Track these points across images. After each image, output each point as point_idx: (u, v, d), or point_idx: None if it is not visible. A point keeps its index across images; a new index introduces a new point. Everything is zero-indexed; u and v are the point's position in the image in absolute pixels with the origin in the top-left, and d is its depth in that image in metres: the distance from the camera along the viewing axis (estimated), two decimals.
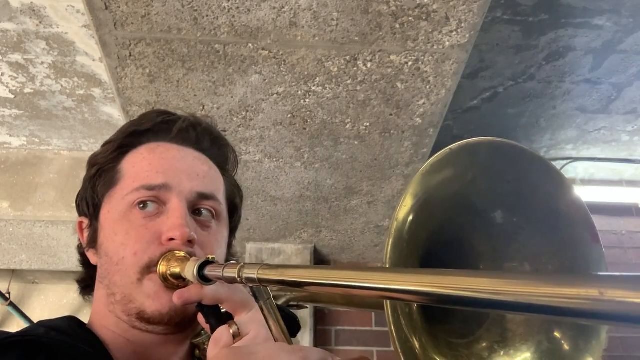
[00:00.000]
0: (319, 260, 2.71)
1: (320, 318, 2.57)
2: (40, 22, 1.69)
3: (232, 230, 0.75)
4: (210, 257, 0.55)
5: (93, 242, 0.67)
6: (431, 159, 0.60)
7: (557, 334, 0.65)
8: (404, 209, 0.58)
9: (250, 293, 0.55)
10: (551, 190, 0.66)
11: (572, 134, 2.54)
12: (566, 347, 0.64)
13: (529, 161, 0.66)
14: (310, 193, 2.00)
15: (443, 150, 0.61)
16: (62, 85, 1.99)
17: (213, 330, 0.55)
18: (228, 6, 1.22)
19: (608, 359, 2.60)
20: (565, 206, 0.66)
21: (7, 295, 2.40)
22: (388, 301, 0.54)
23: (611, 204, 2.90)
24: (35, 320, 2.45)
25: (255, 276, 0.48)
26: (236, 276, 0.50)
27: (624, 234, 2.94)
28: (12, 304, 2.41)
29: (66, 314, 0.67)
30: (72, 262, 2.35)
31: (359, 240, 2.40)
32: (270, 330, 0.52)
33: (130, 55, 1.36)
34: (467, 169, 0.64)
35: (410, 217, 0.59)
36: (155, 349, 0.63)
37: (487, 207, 0.67)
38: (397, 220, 0.57)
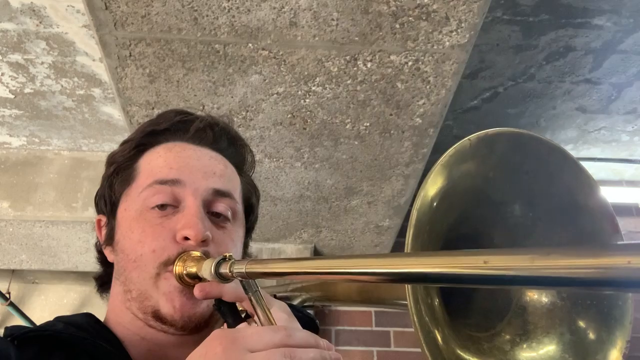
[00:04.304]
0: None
1: (320, 318, 2.57)
2: (40, 22, 1.69)
3: (248, 231, 0.75)
4: (227, 255, 0.55)
5: (110, 239, 0.67)
6: (449, 150, 0.59)
7: (579, 325, 0.64)
8: (425, 200, 0.58)
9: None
10: (570, 181, 0.65)
11: (572, 134, 2.54)
12: (589, 338, 0.63)
13: (547, 152, 0.65)
14: (310, 193, 2.00)
15: (461, 141, 0.60)
16: (62, 85, 1.99)
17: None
18: (228, 6, 1.22)
19: None
20: (584, 197, 0.65)
21: (7, 295, 2.40)
22: (410, 293, 0.54)
23: (611, 204, 2.89)
24: (35, 320, 2.45)
25: (244, 270, 0.50)
26: (227, 271, 0.52)
27: (624, 234, 2.92)
28: (12, 304, 2.41)
29: (67, 314, 0.67)
30: (72, 262, 2.36)
31: (359, 240, 2.40)
32: (259, 321, 0.53)
33: (130, 55, 1.36)
34: (485, 160, 0.63)
35: (430, 210, 0.59)
36: (170, 348, 0.63)
37: (505, 199, 0.66)
38: (417, 211, 0.57)
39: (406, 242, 0.55)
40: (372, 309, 2.63)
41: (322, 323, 2.57)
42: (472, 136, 0.60)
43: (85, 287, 2.74)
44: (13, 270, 2.50)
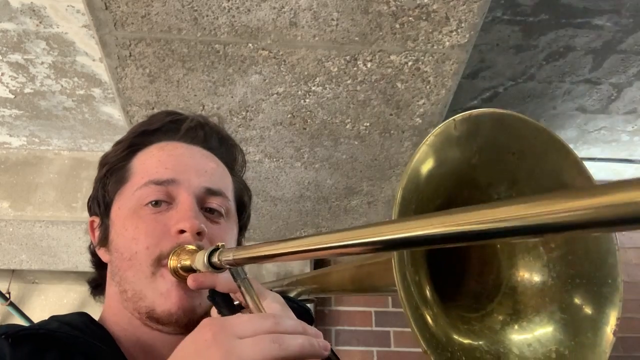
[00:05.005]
0: (319, 260, 2.71)
1: (320, 318, 2.57)
2: (40, 22, 1.69)
3: (242, 229, 0.76)
4: (219, 244, 0.55)
5: (104, 239, 0.68)
6: (434, 131, 0.59)
7: (570, 304, 0.64)
8: (409, 183, 0.57)
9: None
10: (556, 162, 0.65)
11: (572, 134, 2.54)
12: (580, 316, 0.63)
13: (533, 133, 0.65)
14: (310, 193, 2.00)
15: (446, 121, 0.60)
16: (62, 85, 1.99)
17: None
18: (228, 6, 1.22)
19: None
20: (570, 177, 0.65)
21: (7, 295, 2.40)
22: (397, 268, 0.54)
23: None
24: (35, 320, 2.45)
25: (231, 257, 0.51)
26: (216, 260, 0.53)
27: (624, 234, 2.94)
28: (12, 304, 2.41)
29: None
30: (72, 262, 2.36)
31: None
32: (249, 308, 0.54)
33: (130, 55, 1.36)
34: (470, 141, 0.63)
35: (417, 189, 0.58)
36: (165, 348, 0.63)
37: (491, 181, 0.66)
38: (402, 189, 0.56)
39: (393, 216, 0.55)
40: (372, 309, 2.63)
41: (322, 323, 2.57)
42: (457, 116, 0.61)
43: (85, 287, 2.72)
44: (13, 270, 2.50)
